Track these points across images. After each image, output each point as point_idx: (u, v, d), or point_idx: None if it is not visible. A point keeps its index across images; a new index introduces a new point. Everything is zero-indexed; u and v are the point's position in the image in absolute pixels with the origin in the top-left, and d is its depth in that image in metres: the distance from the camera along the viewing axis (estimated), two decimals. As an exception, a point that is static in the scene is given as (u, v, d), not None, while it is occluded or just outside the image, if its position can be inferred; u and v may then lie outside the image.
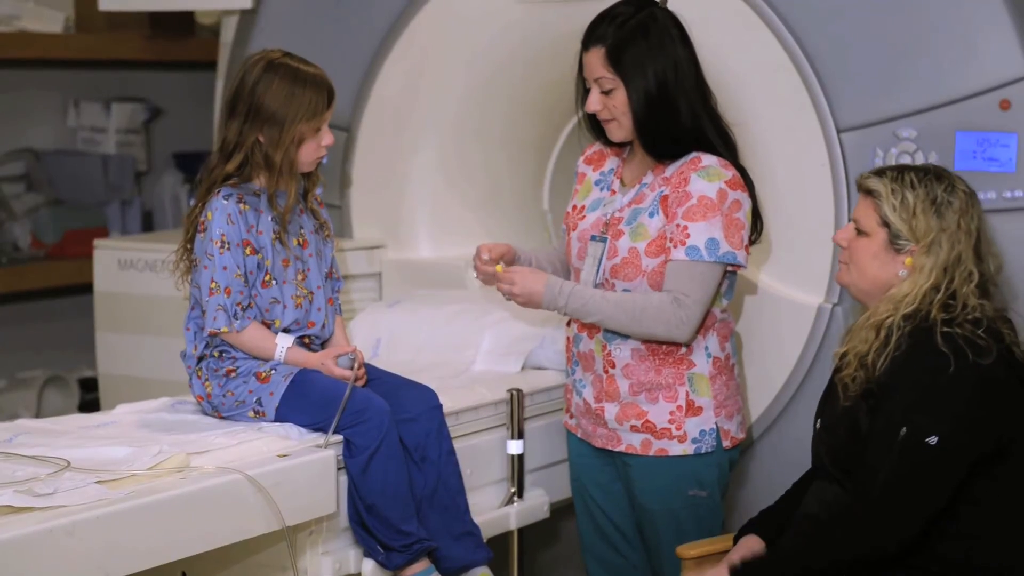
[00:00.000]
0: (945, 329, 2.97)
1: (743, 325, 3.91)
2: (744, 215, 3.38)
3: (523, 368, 3.87)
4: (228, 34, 4.70)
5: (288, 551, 3.15)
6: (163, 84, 6.00)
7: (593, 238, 3.49)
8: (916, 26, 3.66)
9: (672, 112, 3.38)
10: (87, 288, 4.73)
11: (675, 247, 3.35)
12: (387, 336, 4.03)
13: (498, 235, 4.36)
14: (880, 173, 3.10)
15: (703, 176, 3.36)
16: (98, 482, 2.87)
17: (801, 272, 3.76)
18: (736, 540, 3.26)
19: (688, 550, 3.31)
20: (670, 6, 3.63)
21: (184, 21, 5.66)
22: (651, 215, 3.41)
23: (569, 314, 3.44)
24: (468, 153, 4.45)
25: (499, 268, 3.44)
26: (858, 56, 3.72)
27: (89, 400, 5.28)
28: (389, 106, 4.40)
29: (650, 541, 3.55)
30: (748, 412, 3.89)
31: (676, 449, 3.44)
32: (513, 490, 3.65)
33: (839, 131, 3.76)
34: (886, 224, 3.07)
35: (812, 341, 3.80)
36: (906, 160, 3.67)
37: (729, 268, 3.40)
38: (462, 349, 3.94)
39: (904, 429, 2.91)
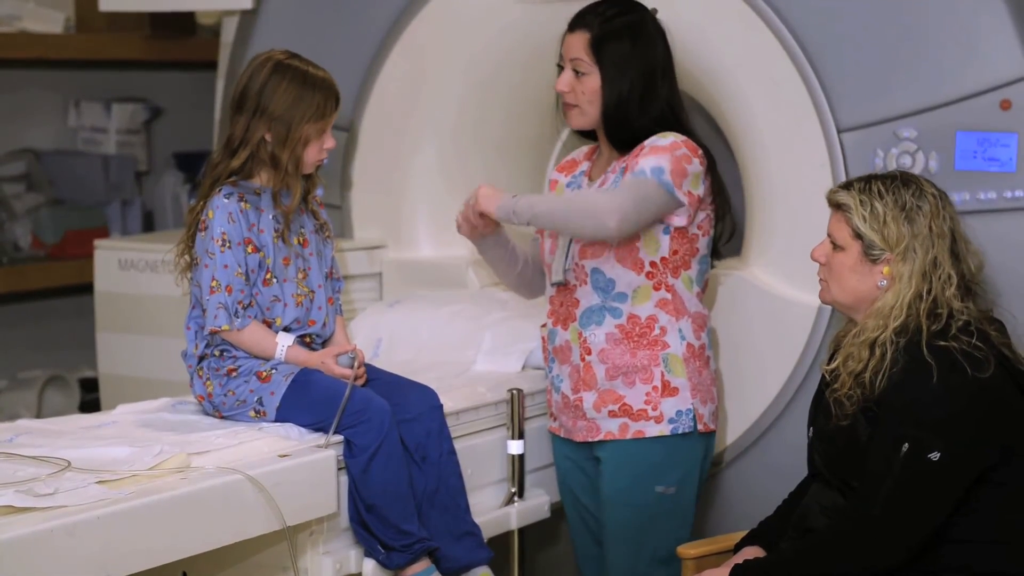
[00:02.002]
0: (940, 342, 2.95)
1: (742, 325, 3.91)
2: (690, 170, 3.41)
3: (523, 368, 3.87)
4: (228, 34, 4.70)
5: (289, 551, 3.16)
6: (163, 84, 6.00)
7: None
8: (917, 26, 3.66)
9: (635, 114, 3.44)
10: (87, 288, 4.73)
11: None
12: (388, 336, 4.03)
13: (498, 235, 4.36)
14: (847, 186, 3.10)
15: (658, 137, 3.44)
16: (99, 482, 2.87)
17: (801, 272, 3.75)
18: (737, 549, 3.25)
19: (688, 550, 3.31)
20: (671, 5, 3.64)
21: (184, 21, 5.66)
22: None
23: (518, 210, 3.41)
24: (468, 153, 4.45)
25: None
26: (858, 56, 3.72)
27: (90, 400, 5.28)
28: (389, 106, 4.40)
29: (609, 535, 3.54)
30: (724, 410, 3.89)
31: (653, 430, 3.45)
32: (514, 490, 3.66)
33: (839, 131, 3.76)
34: (859, 236, 3.06)
35: (812, 341, 3.80)
36: (906, 161, 3.67)
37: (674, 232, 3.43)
38: (462, 349, 3.94)
39: (906, 445, 2.90)
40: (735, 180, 4.08)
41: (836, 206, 3.10)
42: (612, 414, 3.47)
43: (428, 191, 4.44)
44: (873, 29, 3.71)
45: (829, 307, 3.73)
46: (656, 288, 3.45)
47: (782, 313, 3.85)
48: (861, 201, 3.05)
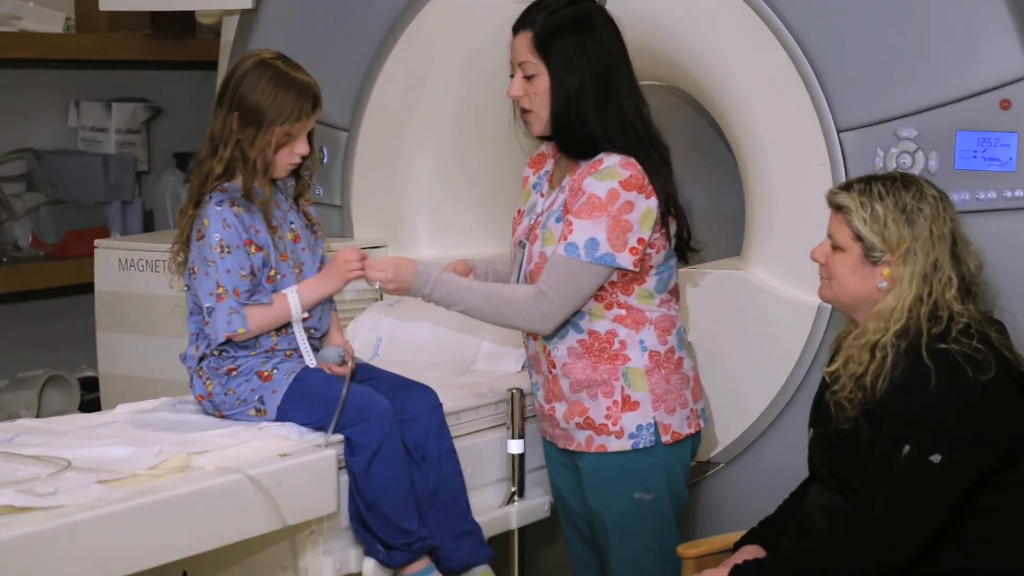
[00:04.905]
0: (941, 345, 2.95)
1: (742, 324, 3.91)
2: (637, 217, 3.32)
3: (523, 367, 3.87)
4: (229, 34, 4.70)
5: (289, 550, 3.16)
6: (164, 84, 6.00)
7: (520, 244, 3.50)
8: (917, 26, 3.66)
9: (589, 112, 3.33)
10: (88, 288, 4.73)
11: (559, 241, 3.34)
12: (388, 336, 4.03)
13: (497, 234, 4.36)
14: (847, 187, 3.09)
15: (597, 177, 3.33)
16: (99, 482, 2.87)
17: (800, 272, 3.75)
18: (736, 548, 3.25)
19: (688, 550, 3.31)
20: (671, 5, 3.63)
21: (185, 21, 5.66)
22: (557, 220, 3.39)
23: (436, 303, 3.40)
24: (467, 153, 4.45)
25: (367, 260, 3.38)
26: (858, 55, 3.72)
27: (90, 400, 5.28)
28: (389, 106, 4.40)
29: (601, 544, 3.54)
30: (723, 409, 3.87)
31: (614, 445, 3.42)
32: (514, 489, 3.66)
33: (839, 131, 3.76)
34: (859, 238, 3.06)
35: (812, 341, 3.80)
36: (906, 160, 3.67)
37: (619, 270, 3.35)
38: (462, 349, 3.94)
39: (907, 447, 2.90)
40: (735, 179, 4.09)
41: (836, 207, 3.10)
42: (579, 426, 3.45)
43: (428, 191, 4.44)
44: (873, 29, 3.71)
45: (829, 307, 3.73)
46: (608, 308, 3.40)
47: (782, 312, 3.85)
48: (862, 203, 3.04)
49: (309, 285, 3.33)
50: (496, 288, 3.42)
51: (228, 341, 3.28)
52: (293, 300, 3.29)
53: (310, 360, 3.34)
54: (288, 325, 3.33)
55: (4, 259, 5.30)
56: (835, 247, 3.10)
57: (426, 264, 3.40)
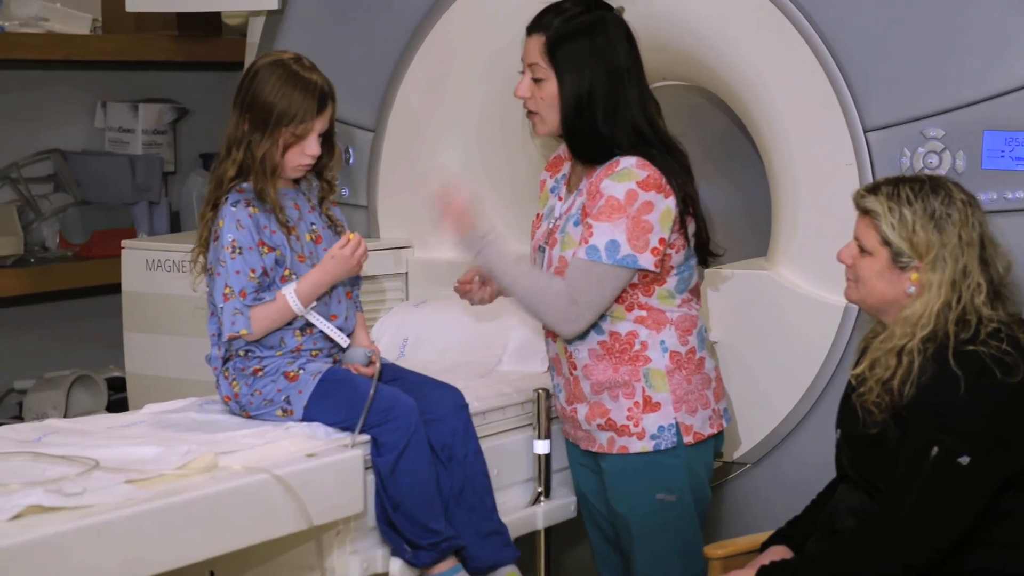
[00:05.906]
0: (969, 348, 2.93)
1: (769, 324, 3.90)
2: (657, 217, 3.31)
3: (549, 368, 3.87)
4: (255, 35, 4.71)
5: (315, 551, 3.16)
6: (190, 85, 6.02)
7: (540, 249, 3.50)
8: (944, 25, 3.65)
9: (600, 119, 3.33)
10: (115, 288, 4.74)
11: (580, 244, 3.34)
12: (413, 336, 4.04)
13: (522, 233, 4.36)
14: (875, 190, 3.07)
15: (614, 179, 3.32)
16: (127, 482, 2.88)
17: (827, 272, 3.74)
18: (763, 548, 3.25)
19: (715, 550, 3.31)
20: (697, 4, 3.62)
21: (211, 22, 5.68)
22: (576, 224, 3.39)
23: (479, 263, 3.40)
24: (492, 153, 4.45)
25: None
26: (885, 55, 3.72)
27: (117, 400, 5.30)
28: (415, 106, 4.40)
29: (624, 545, 3.54)
30: (733, 408, 3.84)
31: (636, 446, 3.41)
32: (540, 490, 3.66)
33: (866, 130, 3.75)
34: (887, 243, 3.04)
35: (839, 341, 3.79)
36: (933, 160, 3.66)
37: (640, 272, 3.34)
38: (488, 349, 3.95)
39: (935, 449, 2.89)
40: (761, 179, 4.08)
41: (864, 211, 3.08)
42: (601, 427, 3.45)
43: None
44: (900, 28, 3.70)
45: (856, 307, 3.72)
46: (628, 309, 3.39)
47: (808, 313, 3.84)
48: (890, 208, 3.02)
49: (307, 276, 3.30)
50: (539, 274, 3.41)
51: (254, 342, 3.30)
52: (289, 293, 3.27)
53: (341, 340, 3.34)
54: (311, 324, 3.34)
55: (32, 259, 5.32)
56: (862, 250, 3.08)
57: (490, 225, 3.39)
